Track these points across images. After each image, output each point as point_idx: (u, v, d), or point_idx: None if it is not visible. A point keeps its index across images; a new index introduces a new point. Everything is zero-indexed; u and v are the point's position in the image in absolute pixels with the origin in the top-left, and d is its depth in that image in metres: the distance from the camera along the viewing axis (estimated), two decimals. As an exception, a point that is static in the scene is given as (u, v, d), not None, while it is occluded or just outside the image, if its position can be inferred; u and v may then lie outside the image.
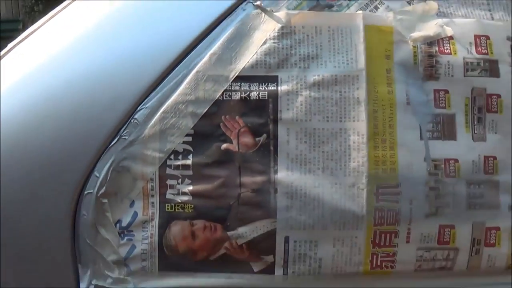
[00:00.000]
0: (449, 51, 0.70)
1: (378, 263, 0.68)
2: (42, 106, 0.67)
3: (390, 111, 0.68)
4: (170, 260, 0.69)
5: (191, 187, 0.67)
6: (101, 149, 0.68)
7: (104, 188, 0.67)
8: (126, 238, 0.69)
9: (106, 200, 0.68)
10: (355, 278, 0.69)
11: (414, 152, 0.68)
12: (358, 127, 0.67)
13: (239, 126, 0.67)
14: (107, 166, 0.67)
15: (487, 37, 0.71)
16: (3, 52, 0.73)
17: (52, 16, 0.75)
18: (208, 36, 0.69)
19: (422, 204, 0.68)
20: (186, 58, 0.68)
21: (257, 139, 0.67)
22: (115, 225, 0.69)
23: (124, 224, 0.68)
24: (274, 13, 0.69)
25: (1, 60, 0.72)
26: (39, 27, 0.74)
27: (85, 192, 0.68)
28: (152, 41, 0.68)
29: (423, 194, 0.68)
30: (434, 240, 0.69)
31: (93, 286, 0.69)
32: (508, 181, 0.70)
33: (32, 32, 0.73)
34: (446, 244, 0.69)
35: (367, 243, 0.68)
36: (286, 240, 0.67)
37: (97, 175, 0.67)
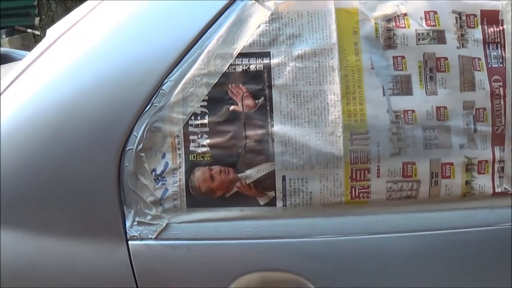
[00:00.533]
0: (404, 25, 0.85)
1: (356, 194, 0.85)
2: (94, 84, 0.85)
3: (358, 75, 0.84)
4: (195, 198, 0.85)
5: (208, 141, 0.84)
6: (138, 114, 0.84)
7: (142, 144, 0.83)
8: (160, 183, 0.85)
9: (143, 154, 0.84)
10: (338, 207, 0.85)
11: (379, 106, 0.84)
12: (334, 89, 0.84)
13: (242, 91, 0.84)
14: (143, 127, 0.83)
15: (435, 12, 0.86)
16: (58, 36, 0.93)
17: (93, 8, 0.95)
18: (215, 23, 0.85)
19: (387, 146, 0.84)
20: (199, 41, 0.85)
21: (256, 101, 0.84)
22: (151, 173, 0.85)
23: (158, 172, 0.85)
24: (265, 3, 0.85)
25: (54, 45, 0.92)
26: (82, 18, 0.94)
27: (127, 149, 0.84)
28: (173, 29, 0.86)
29: (387, 138, 0.84)
30: (399, 174, 0.85)
31: (136, 222, 0.85)
32: (458, 125, 0.85)
33: (77, 22, 0.93)
34: (409, 177, 0.85)
35: (346, 178, 0.84)
36: (283, 178, 0.84)
37: (136, 134, 0.84)
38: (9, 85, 0.93)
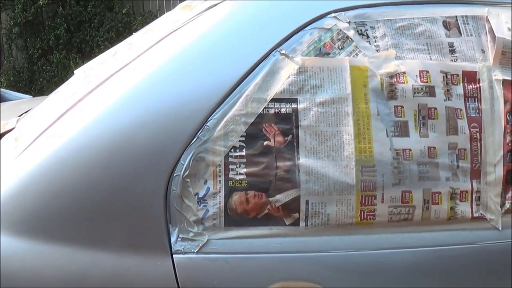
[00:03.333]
0: (403, 81, 1.04)
1: (365, 216, 1.01)
2: (149, 116, 0.99)
3: (367, 120, 1.02)
4: (232, 218, 0.98)
5: (245, 169, 0.99)
6: (185, 146, 0.97)
7: (187, 171, 0.96)
8: (202, 205, 0.98)
9: (188, 180, 0.97)
10: (350, 227, 1.02)
11: (383, 145, 1.01)
12: (348, 130, 1.01)
13: (274, 130, 1.01)
14: (189, 156, 0.97)
15: (427, 71, 1.05)
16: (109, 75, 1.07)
17: (151, 47, 1.10)
18: (252, 72, 1.01)
19: (389, 177, 1.01)
20: (239, 87, 1.00)
21: (286, 138, 1.00)
22: (195, 196, 0.97)
23: (200, 195, 0.98)
24: (294, 58, 1.03)
25: (110, 79, 1.06)
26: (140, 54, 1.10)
27: (174, 175, 0.97)
28: (217, 75, 1.02)
29: (390, 171, 1.01)
30: (399, 201, 1.02)
31: (180, 239, 0.97)
32: (445, 162, 1.04)
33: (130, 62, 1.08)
34: (407, 203, 1.02)
35: (357, 203, 1.01)
36: (306, 202, 1.00)
37: (183, 163, 0.97)
38: (65, 113, 1.06)
